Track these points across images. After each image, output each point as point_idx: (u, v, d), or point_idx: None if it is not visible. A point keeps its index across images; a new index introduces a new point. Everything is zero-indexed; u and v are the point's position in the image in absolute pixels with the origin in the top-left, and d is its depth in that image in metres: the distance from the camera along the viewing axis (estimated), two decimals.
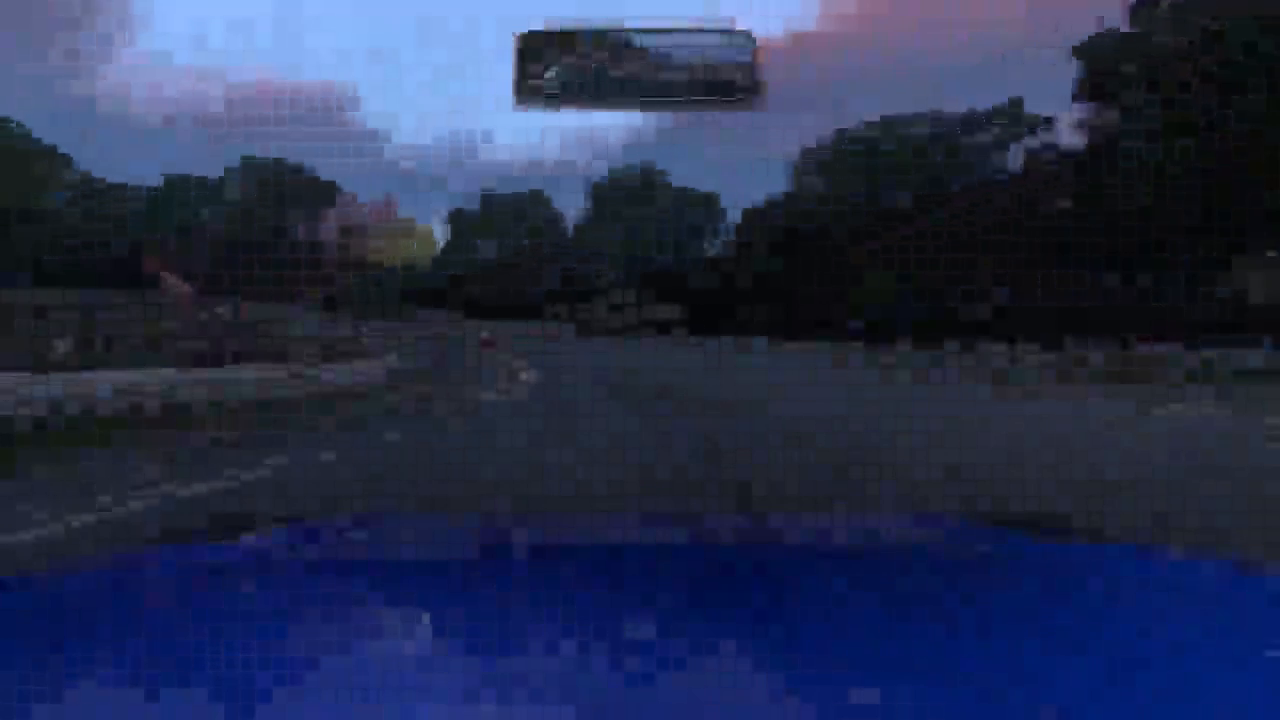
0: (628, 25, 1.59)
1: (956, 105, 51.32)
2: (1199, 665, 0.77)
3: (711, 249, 66.97)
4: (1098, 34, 34.89)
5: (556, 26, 1.62)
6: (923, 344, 31.45)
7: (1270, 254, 28.59)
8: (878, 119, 54.02)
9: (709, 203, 68.95)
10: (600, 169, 73.95)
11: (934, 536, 1.37)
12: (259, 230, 53.86)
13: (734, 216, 64.18)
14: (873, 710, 0.65)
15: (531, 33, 1.59)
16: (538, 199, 73.89)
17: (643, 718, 0.64)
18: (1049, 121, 45.02)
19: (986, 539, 1.33)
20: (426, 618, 0.90)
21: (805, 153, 56.80)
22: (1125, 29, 34.38)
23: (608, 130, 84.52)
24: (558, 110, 1.63)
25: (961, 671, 0.73)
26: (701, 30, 1.60)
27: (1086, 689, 0.69)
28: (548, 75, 1.58)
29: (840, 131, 55.39)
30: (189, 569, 1.14)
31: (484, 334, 55.49)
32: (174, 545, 1.33)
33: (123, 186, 59.28)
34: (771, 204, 56.98)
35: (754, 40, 1.58)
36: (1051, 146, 42.64)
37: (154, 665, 0.76)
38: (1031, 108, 47.18)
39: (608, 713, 0.65)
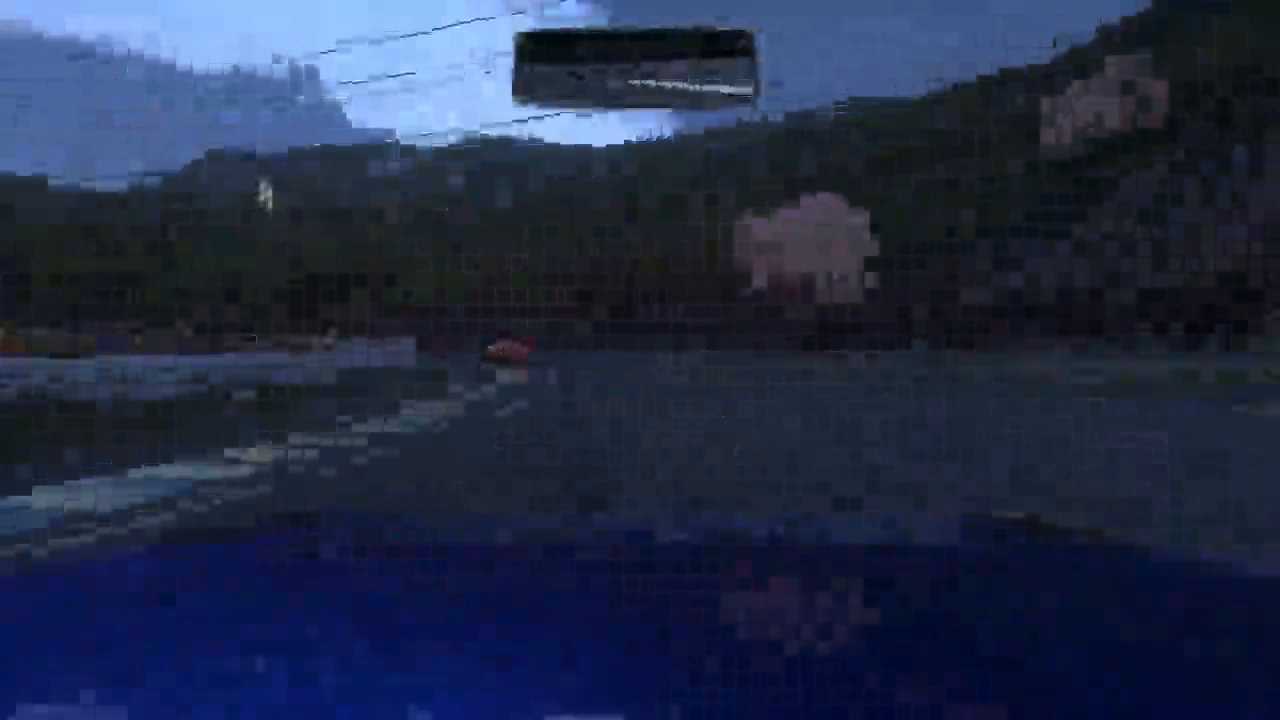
0: (628, 25, 1.59)
1: None
2: (1201, 665, 0.76)
3: None
4: None
5: (556, 26, 1.62)
6: None
7: None
8: None
9: None
10: None
11: (934, 536, 1.37)
12: None
13: None
14: (873, 710, 0.65)
15: (530, 32, 1.60)
16: None
17: (643, 717, 0.65)
18: None
19: (987, 539, 1.33)
20: (428, 617, 0.90)
21: None
22: None
23: None
24: (557, 110, 1.63)
25: (962, 672, 0.73)
26: (701, 29, 1.60)
27: (1089, 689, 0.69)
28: (547, 75, 1.58)
29: None
30: (189, 568, 1.14)
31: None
32: (174, 544, 1.32)
33: None
34: None
35: (753, 39, 1.58)
36: None
37: (153, 665, 0.76)
38: None
39: (608, 713, 0.65)
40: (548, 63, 1.58)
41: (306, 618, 0.90)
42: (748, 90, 1.59)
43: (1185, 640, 0.84)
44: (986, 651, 0.79)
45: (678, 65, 1.56)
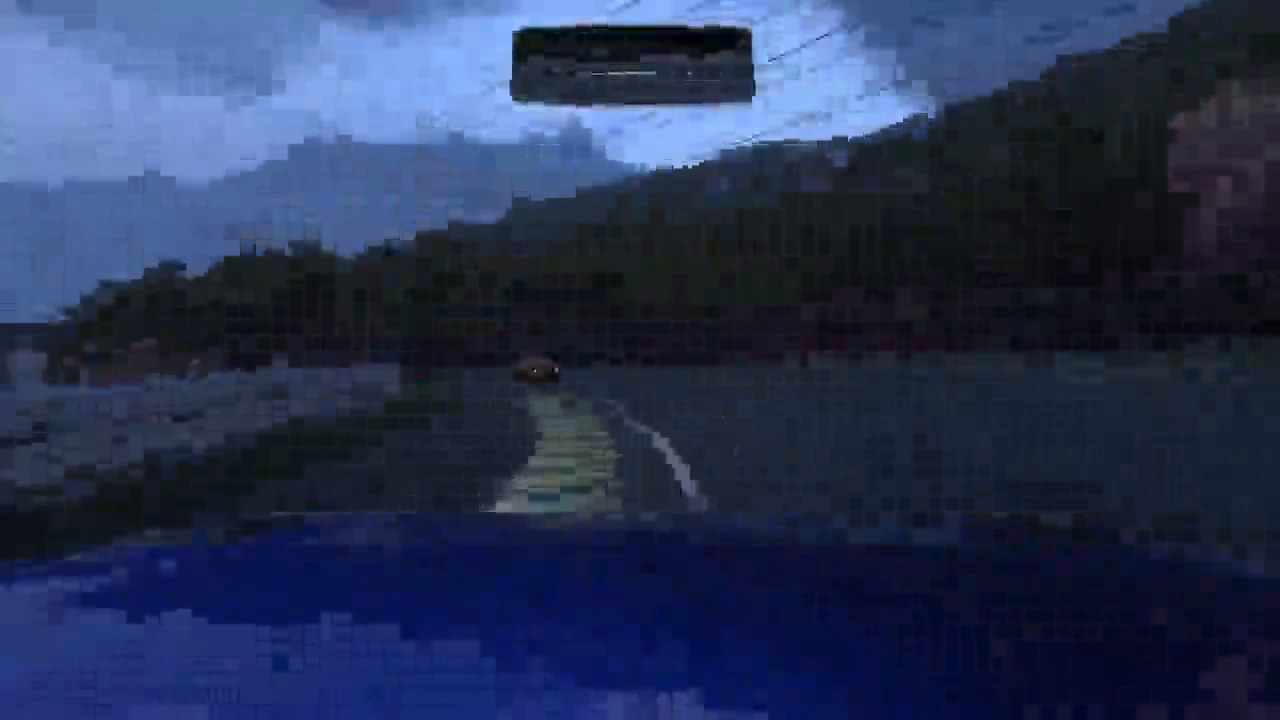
0: (626, 22, 1.59)
1: None
2: (1200, 664, 0.77)
3: None
4: None
5: (556, 24, 1.62)
6: None
7: None
8: None
9: None
10: None
11: (934, 536, 1.36)
12: None
13: None
14: (873, 710, 0.65)
15: (530, 30, 1.59)
16: None
17: (643, 717, 0.65)
18: None
19: (986, 539, 1.32)
20: (428, 617, 0.89)
21: None
22: None
23: None
24: (556, 108, 1.64)
25: (962, 671, 0.73)
26: (699, 28, 1.60)
27: (1089, 688, 0.69)
28: (546, 73, 1.58)
29: None
30: (188, 567, 1.13)
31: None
32: (174, 544, 1.32)
33: None
34: None
35: (751, 37, 1.58)
36: None
37: (152, 663, 0.76)
38: None
39: (607, 713, 0.65)
40: (546, 60, 1.57)
41: (303, 619, 0.90)
42: (746, 88, 1.59)
43: (1185, 640, 0.84)
44: (987, 651, 0.79)
45: (677, 61, 1.56)
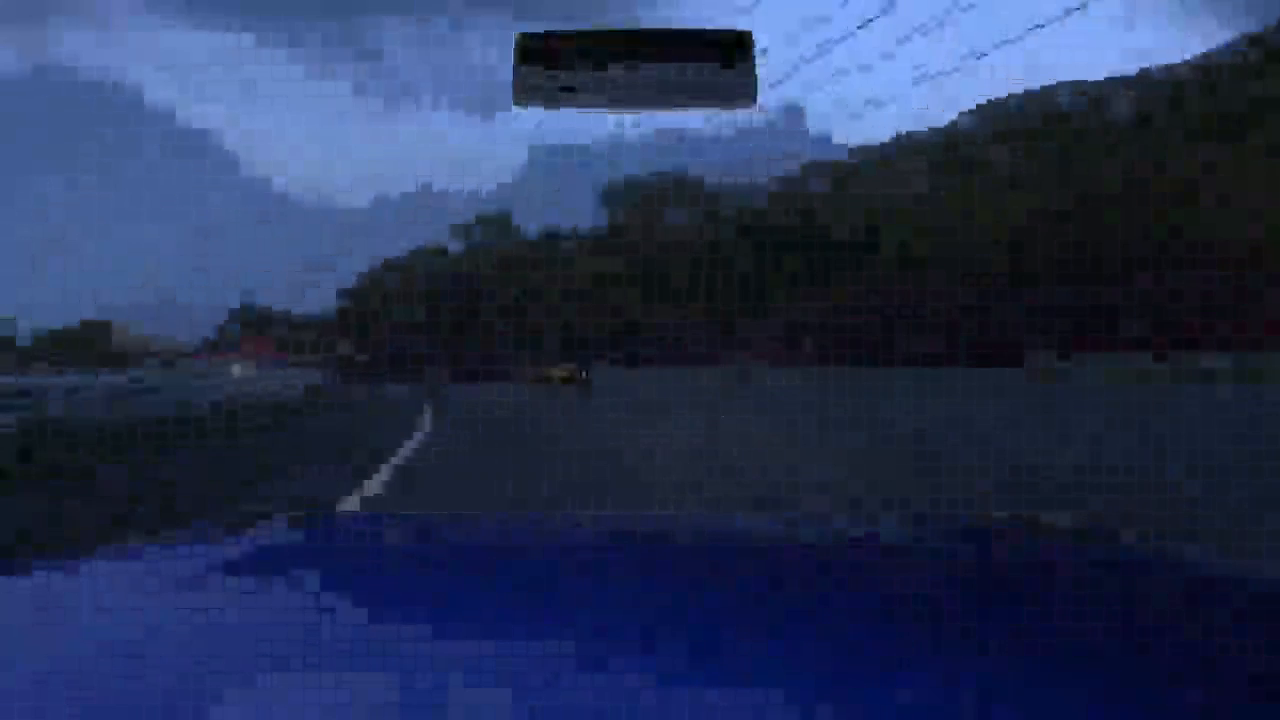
0: (629, 26, 1.60)
1: None
2: (1200, 664, 0.77)
3: None
4: None
5: (558, 28, 1.63)
6: None
7: None
8: None
9: None
10: None
11: (934, 537, 1.37)
12: None
13: None
14: (872, 710, 0.65)
15: (532, 33, 1.60)
16: None
17: (643, 717, 0.65)
18: None
19: (986, 539, 1.33)
20: (428, 617, 0.90)
21: None
22: None
23: None
24: (558, 111, 1.64)
25: (962, 671, 0.73)
26: (702, 31, 1.61)
27: (1089, 688, 0.69)
28: (548, 75, 1.58)
29: None
30: (187, 567, 1.14)
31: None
32: (174, 544, 1.32)
33: None
34: None
35: (754, 41, 1.59)
36: None
37: (152, 663, 0.76)
38: None
39: (607, 713, 0.65)
40: (549, 63, 1.58)
41: (303, 618, 0.90)
42: (748, 91, 1.59)
43: (1185, 640, 0.84)
44: (986, 651, 0.79)
45: (678, 66, 1.57)
